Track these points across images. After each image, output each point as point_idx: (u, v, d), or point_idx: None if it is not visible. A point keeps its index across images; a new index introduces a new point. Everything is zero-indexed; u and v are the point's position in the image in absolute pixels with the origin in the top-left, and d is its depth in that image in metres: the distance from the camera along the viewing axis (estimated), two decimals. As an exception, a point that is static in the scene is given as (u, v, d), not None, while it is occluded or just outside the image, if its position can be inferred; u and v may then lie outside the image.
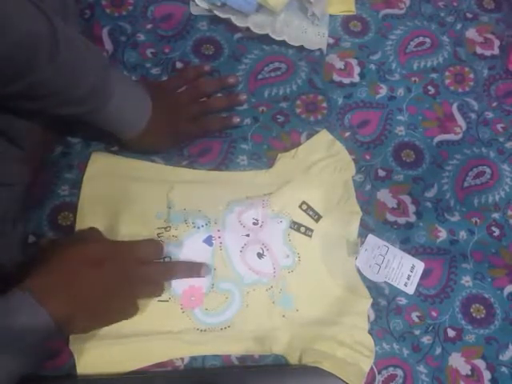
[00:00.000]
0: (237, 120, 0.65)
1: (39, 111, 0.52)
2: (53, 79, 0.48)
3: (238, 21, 0.70)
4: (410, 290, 0.61)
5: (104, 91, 0.53)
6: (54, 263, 0.49)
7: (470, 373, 0.58)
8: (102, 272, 0.51)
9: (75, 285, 0.49)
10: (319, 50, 0.72)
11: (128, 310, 0.54)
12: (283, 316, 0.58)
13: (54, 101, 0.51)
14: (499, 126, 0.71)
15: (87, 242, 0.54)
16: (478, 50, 0.75)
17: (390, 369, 0.58)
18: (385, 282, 0.61)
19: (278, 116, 0.68)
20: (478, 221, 0.65)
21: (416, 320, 0.60)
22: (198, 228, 0.60)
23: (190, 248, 0.59)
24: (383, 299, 0.60)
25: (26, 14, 0.45)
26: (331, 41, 0.73)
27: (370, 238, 0.62)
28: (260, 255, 0.60)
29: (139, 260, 0.55)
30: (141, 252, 0.56)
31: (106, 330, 0.54)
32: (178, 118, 0.62)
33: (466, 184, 0.67)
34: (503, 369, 0.59)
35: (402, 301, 0.60)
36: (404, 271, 0.61)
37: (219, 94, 0.68)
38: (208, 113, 0.65)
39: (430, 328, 0.60)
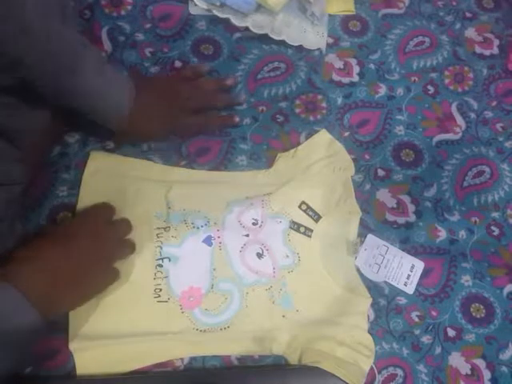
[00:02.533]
0: (236, 119, 0.66)
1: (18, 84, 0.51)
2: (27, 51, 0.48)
3: (237, 20, 0.70)
4: (410, 289, 0.61)
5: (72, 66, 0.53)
6: (32, 247, 0.51)
7: (470, 372, 0.58)
8: (74, 244, 0.52)
9: (50, 263, 0.50)
10: (318, 49, 0.72)
11: (108, 273, 0.55)
12: (283, 316, 0.58)
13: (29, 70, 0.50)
14: (498, 126, 0.71)
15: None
16: (478, 50, 0.75)
17: (390, 368, 0.58)
18: (384, 282, 0.61)
19: (278, 116, 0.68)
20: (478, 220, 0.65)
21: (416, 320, 0.60)
22: (198, 228, 0.60)
23: (190, 248, 0.59)
24: (383, 299, 0.60)
25: None
26: (330, 40, 0.73)
27: (370, 237, 0.62)
28: (259, 255, 0.60)
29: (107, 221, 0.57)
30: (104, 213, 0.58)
31: (105, 329, 0.54)
32: (176, 109, 0.62)
33: (465, 183, 0.67)
34: (503, 368, 0.59)
35: (402, 300, 0.60)
36: (404, 271, 0.61)
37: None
38: (208, 109, 0.65)
39: (430, 327, 0.60)
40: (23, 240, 0.54)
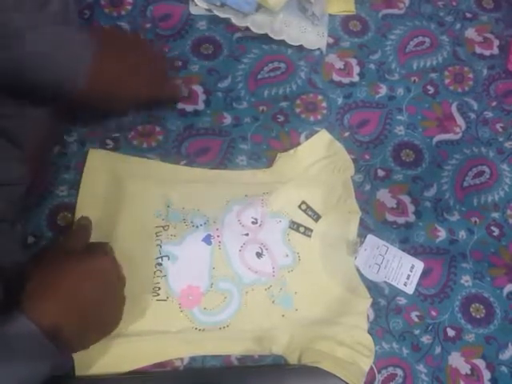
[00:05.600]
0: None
1: None
2: None
3: (237, 20, 0.70)
4: (410, 289, 0.61)
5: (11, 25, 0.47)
6: (54, 281, 0.48)
7: (469, 372, 0.58)
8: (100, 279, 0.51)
9: (76, 302, 0.48)
10: (319, 49, 0.72)
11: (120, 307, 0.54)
12: (282, 316, 0.58)
13: None
14: (498, 126, 0.71)
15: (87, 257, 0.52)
16: (478, 50, 0.75)
17: (390, 368, 0.58)
18: (384, 282, 0.61)
19: (278, 116, 0.68)
20: (478, 220, 0.65)
21: (416, 320, 0.60)
22: (197, 227, 0.60)
23: (189, 247, 0.59)
24: (383, 299, 0.60)
25: None
26: (331, 40, 0.73)
27: (370, 237, 0.62)
28: (259, 255, 0.60)
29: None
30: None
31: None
32: (133, 67, 0.58)
33: (465, 184, 0.67)
34: (503, 368, 0.59)
35: (402, 300, 0.60)
36: (403, 271, 0.61)
37: None
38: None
39: (430, 327, 0.60)
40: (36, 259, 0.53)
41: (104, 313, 0.51)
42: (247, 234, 0.61)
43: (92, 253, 0.53)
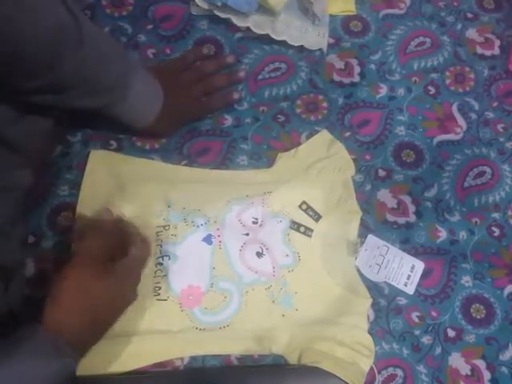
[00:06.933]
0: (237, 95, 0.67)
1: (59, 105, 0.52)
2: (76, 71, 0.49)
3: (238, 21, 0.70)
4: (410, 289, 0.61)
5: (125, 81, 0.55)
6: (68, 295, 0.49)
7: (469, 373, 0.58)
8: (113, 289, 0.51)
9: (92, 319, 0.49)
10: (319, 49, 0.72)
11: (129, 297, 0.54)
12: (283, 315, 0.58)
13: (76, 93, 0.51)
14: (499, 126, 0.71)
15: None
16: (479, 50, 0.75)
17: (390, 369, 0.58)
18: (385, 282, 0.61)
19: (279, 116, 0.68)
20: (478, 221, 0.65)
21: (416, 320, 0.60)
22: (198, 227, 0.60)
23: (190, 247, 0.59)
24: (383, 299, 0.60)
25: (49, 5, 0.45)
26: (331, 41, 0.73)
27: (370, 238, 0.62)
28: (259, 254, 0.60)
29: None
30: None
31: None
32: (181, 100, 0.63)
33: (466, 184, 0.67)
34: (503, 369, 0.59)
35: (402, 301, 0.60)
36: (404, 271, 0.61)
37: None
38: (209, 92, 0.66)
39: (430, 328, 0.60)
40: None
41: (110, 321, 0.52)
42: (247, 234, 0.61)
43: (120, 268, 0.52)
